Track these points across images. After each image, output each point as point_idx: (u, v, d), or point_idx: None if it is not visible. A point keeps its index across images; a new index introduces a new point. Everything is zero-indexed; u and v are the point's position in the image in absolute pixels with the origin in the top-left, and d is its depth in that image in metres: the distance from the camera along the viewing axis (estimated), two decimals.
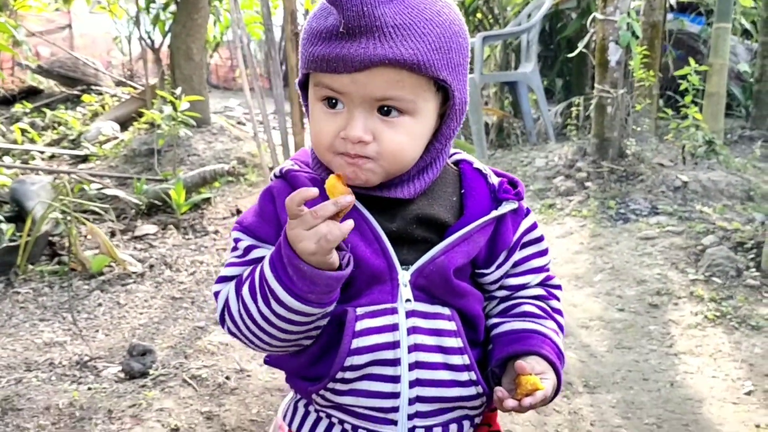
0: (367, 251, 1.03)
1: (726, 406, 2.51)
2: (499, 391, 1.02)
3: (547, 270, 1.20)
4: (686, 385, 2.66)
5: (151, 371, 2.49)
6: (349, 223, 0.93)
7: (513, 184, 1.14)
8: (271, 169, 4.53)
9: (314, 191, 0.92)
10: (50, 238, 3.82)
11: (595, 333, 3.09)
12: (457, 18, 1.02)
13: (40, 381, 2.46)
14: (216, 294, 1.07)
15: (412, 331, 1.04)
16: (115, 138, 5.86)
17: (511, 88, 6.58)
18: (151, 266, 3.63)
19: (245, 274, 1.03)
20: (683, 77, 4.89)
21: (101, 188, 4.33)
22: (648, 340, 3.01)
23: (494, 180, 1.13)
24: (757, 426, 2.37)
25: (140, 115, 5.83)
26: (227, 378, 2.40)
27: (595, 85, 4.97)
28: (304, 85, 1.07)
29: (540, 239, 1.18)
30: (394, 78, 0.96)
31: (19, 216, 4.00)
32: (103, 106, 6.69)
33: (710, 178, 4.71)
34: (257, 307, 0.99)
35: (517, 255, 1.15)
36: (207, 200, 4.53)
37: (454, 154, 1.20)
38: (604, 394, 2.61)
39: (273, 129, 4.49)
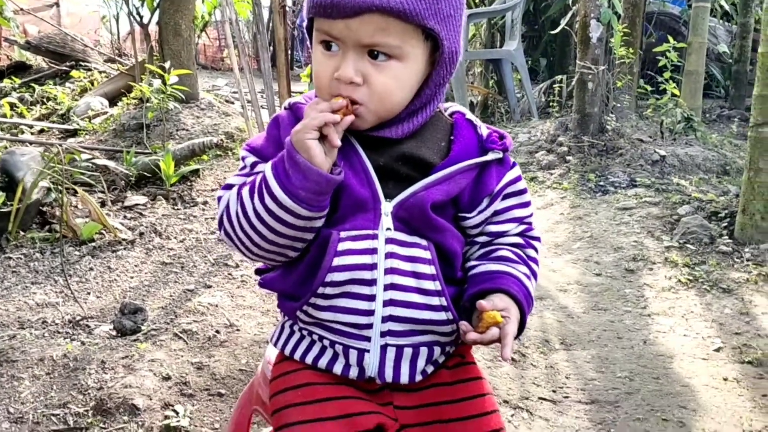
0: (354, 180, 1.12)
1: (696, 362, 2.63)
2: (463, 324, 1.11)
3: (529, 222, 1.27)
4: (658, 342, 2.78)
5: (142, 328, 2.57)
6: (349, 118, 1.07)
7: (501, 136, 1.23)
8: None
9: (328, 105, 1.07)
10: (41, 207, 3.87)
11: (573, 296, 3.20)
12: None
13: (33, 337, 2.54)
14: (219, 198, 1.17)
15: (389, 255, 1.13)
16: (105, 113, 5.89)
17: (496, 66, 6.65)
18: (141, 234, 3.69)
19: (248, 180, 1.14)
20: (662, 54, 4.99)
21: (91, 159, 4.39)
22: (623, 302, 3.13)
23: (484, 131, 1.22)
24: (725, 379, 2.49)
25: (129, 90, 5.86)
26: (217, 332, 2.49)
27: (577, 61, 5.07)
28: (309, 30, 1.16)
29: (523, 191, 1.25)
30: (381, 25, 1.05)
31: (9, 186, 4.05)
32: (92, 82, 6.71)
33: (687, 153, 4.83)
34: (253, 204, 1.09)
35: (499, 204, 1.22)
36: (196, 172, 4.59)
37: (451, 106, 1.29)
38: (579, 351, 2.72)
39: (261, 108, 4.55)
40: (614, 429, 2.19)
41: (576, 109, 5.12)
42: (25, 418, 1.99)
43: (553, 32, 5.81)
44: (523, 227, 1.26)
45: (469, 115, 1.25)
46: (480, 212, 1.21)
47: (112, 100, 6.15)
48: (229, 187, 1.18)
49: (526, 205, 1.26)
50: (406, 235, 1.15)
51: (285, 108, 1.22)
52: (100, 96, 6.12)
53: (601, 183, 4.55)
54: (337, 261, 1.12)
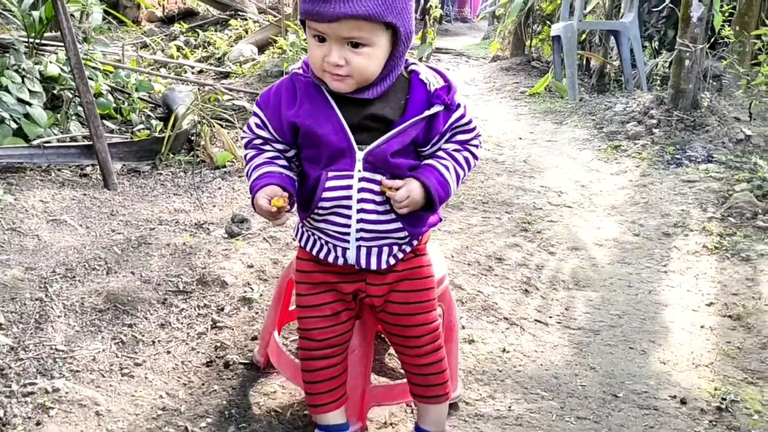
0: (335, 138, 1.69)
1: (685, 311, 3.05)
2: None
3: (471, 139, 1.81)
4: (661, 294, 3.22)
5: (244, 233, 3.38)
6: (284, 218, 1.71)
7: (448, 89, 1.75)
8: None
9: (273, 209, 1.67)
10: (189, 136, 4.81)
11: (605, 250, 3.68)
12: None
13: (166, 231, 3.42)
14: (243, 135, 1.85)
15: (360, 189, 1.72)
16: (253, 59, 6.82)
17: (615, 35, 6.91)
18: None
19: (250, 154, 1.82)
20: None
21: (232, 99, 5.28)
22: (648, 259, 3.57)
23: (432, 87, 1.72)
24: (702, 326, 2.92)
25: (275, 41, 6.74)
26: (293, 238, 3.25)
27: (677, 38, 5.33)
28: (303, 23, 1.71)
29: (467, 123, 1.78)
30: (354, 25, 1.57)
31: (168, 117, 5.03)
32: (246, 31, 7.68)
33: None
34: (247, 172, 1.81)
35: (448, 135, 1.77)
36: None
37: (411, 64, 1.80)
38: (589, 292, 3.23)
39: None
40: (586, 350, 2.73)
41: (671, 85, 5.40)
42: (151, 280, 2.85)
43: (655, 9, 6.02)
44: (463, 143, 1.80)
45: (422, 74, 1.75)
46: (433, 145, 1.77)
47: (261, 48, 7.06)
48: (247, 129, 1.83)
49: (470, 131, 1.79)
50: (373, 174, 1.72)
51: (287, 73, 1.80)
52: (251, 44, 7.05)
53: (677, 156, 4.87)
54: (326, 194, 1.70)
